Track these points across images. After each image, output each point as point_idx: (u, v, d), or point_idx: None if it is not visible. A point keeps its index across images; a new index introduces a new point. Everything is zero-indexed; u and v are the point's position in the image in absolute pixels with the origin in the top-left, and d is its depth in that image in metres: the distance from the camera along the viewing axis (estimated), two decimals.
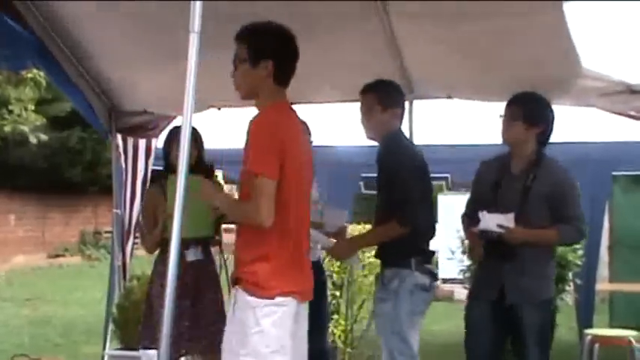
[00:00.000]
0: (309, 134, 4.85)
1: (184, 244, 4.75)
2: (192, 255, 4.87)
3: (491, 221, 4.33)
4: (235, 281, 3.48)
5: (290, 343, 3.43)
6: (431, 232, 4.53)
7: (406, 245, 4.27)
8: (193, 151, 4.81)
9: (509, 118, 4.52)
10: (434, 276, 4.45)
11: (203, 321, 4.83)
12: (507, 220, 4.31)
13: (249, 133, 3.44)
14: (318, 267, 5.14)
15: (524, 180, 4.41)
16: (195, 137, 4.89)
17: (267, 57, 3.50)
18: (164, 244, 4.83)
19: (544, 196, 4.36)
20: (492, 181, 4.50)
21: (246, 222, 3.46)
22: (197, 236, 4.85)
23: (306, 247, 3.58)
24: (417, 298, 4.33)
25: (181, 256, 4.68)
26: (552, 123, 4.59)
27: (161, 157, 7.02)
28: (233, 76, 3.58)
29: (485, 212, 4.36)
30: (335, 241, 4.69)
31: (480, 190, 4.62)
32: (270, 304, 3.37)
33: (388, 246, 4.42)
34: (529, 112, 4.48)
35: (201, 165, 4.82)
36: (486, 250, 4.47)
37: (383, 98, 4.51)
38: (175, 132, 4.97)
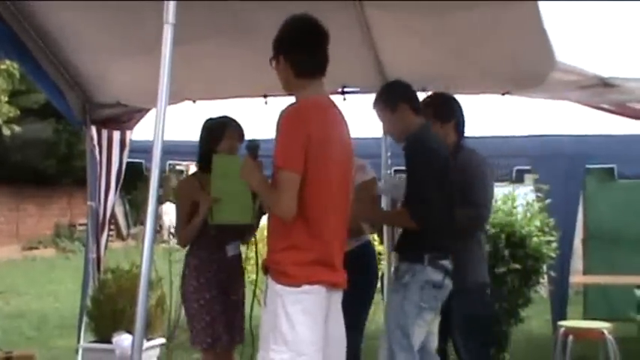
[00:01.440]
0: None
1: (224, 239, 4.76)
2: (232, 250, 4.83)
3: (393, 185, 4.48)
4: (266, 270, 3.52)
5: (321, 331, 3.44)
6: (449, 229, 4.41)
7: (420, 241, 4.25)
8: (239, 144, 4.80)
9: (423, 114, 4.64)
10: (448, 272, 4.33)
11: (239, 313, 4.83)
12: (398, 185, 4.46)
13: (277, 126, 3.43)
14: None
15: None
16: (242, 131, 4.85)
17: (279, 52, 3.53)
18: (196, 238, 4.82)
19: (457, 185, 4.48)
20: None
21: (272, 211, 3.50)
22: (246, 222, 4.67)
23: (340, 239, 3.56)
24: (427, 294, 4.25)
25: (221, 250, 4.75)
26: (462, 113, 4.86)
27: (136, 149, 7.06)
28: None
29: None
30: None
31: None
32: (298, 292, 3.38)
33: (404, 240, 4.43)
34: (439, 111, 4.74)
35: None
36: None
37: (388, 101, 4.47)
38: (222, 126, 4.84)
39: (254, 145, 3.73)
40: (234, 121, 4.90)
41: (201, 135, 4.92)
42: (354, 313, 4.68)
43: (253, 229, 4.79)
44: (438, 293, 4.31)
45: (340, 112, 3.70)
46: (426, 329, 4.32)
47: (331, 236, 3.50)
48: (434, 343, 4.46)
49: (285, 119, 3.43)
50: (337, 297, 3.59)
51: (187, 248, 4.91)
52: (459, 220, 4.45)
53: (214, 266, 4.78)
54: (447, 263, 4.33)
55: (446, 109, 4.80)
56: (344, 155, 3.61)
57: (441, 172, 4.28)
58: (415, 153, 4.32)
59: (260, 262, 4.46)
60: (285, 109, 3.48)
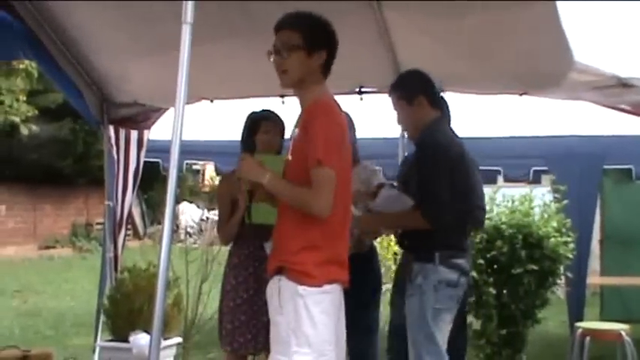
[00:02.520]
0: (352, 126, 4.79)
1: (264, 236, 4.53)
2: (270, 248, 4.81)
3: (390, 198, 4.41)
4: (279, 270, 3.44)
5: (335, 330, 3.45)
6: (463, 227, 4.37)
7: (430, 239, 4.16)
8: (278, 138, 4.76)
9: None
10: (463, 271, 4.27)
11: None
12: (403, 201, 4.35)
13: (308, 122, 3.40)
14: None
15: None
16: (281, 124, 4.81)
17: (322, 47, 3.49)
18: (238, 236, 4.81)
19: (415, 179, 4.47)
20: (402, 176, 4.67)
21: (301, 208, 3.40)
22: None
23: (347, 237, 3.57)
24: (442, 294, 4.16)
25: (260, 248, 4.66)
26: None
27: (153, 149, 7.09)
28: (275, 62, 3.49)
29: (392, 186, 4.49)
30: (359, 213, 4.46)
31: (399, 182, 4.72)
32: (319, 292, 3.37)
33: (414, 240, 4.33)
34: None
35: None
36: (399, 241, 4.63)
37: (405, 92, 4.39)
38: (258, 119, 4.82)
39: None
40: (273, 114, 4.85)
41: (242, 128, 4.91)
42: (361, 314, 4.67)
43: None
44: (454, 292, 4.22)
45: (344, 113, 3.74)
46: (449, 328, 4.23)
47: (343, 235, 3.51)
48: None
49: (323, 116, 3.40)
50: (343, 294, 3.58)
51: (230, 247, 4.91)
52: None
53: (254, 264, 4.74)
54: (461, 262, 4.26)
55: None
56: (350, 156, 3.63)
57: (452, 169, 4.20)
58: (425, 150, 4.26)
59: None
60: (318, 105, 3.44)
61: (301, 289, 3.35)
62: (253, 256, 4.76)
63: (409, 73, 4.55)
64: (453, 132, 4.41)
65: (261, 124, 4.78)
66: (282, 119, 4.83)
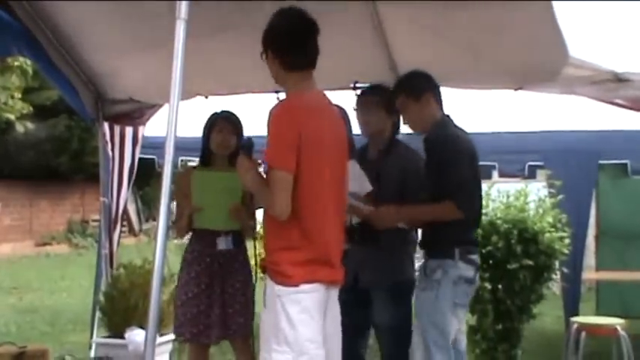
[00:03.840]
0: (347, 120, 4.74)
1: (215, 233, 4.81)
2: (222, 244, 4.84)
3: (357, 173, 4.38)
4: (264, 269, 3.56)
5: (321, 329, 3.45)
6: (477, 222, 4.39)
7: (450, 235, 4.15)
8: (232, 138, 4.86)
9: (369, 107, 4.64)
10: (477, 267, 4.28)
11: (231, 309, 4.81)
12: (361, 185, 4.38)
13: (268, 123, 3.41)
14: None
15: (377, 165, 4.59)
16: (235, 124, 4.89)
17: (267, 46, 3.51)
18: (194, 234, 4.90)
19: (394, 179, 4.51)
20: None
21: (267, 211, 3.48)
22: (227, 229, 4.83)
23: (336, 236, 3.54)
24: (460, 290, 4.17)
25: (212, 244, 4.79)
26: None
27: (148, 145, 7.08)
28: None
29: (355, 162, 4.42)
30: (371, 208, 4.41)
31: None
32: (296, 292, 3.37)
33: (432, 235, 4.31)
34: (389, 101, 4.63)
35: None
36: (348, 235, 4.49)
37: (412, 90, 4.37)
38: (214, 118, 4.94)
39: (248, 144, 3.72)
40: (230, 114, 4.95)
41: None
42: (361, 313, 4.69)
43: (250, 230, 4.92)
44: (469, 289, 4.24)
45: (335, 108, 3.69)
46: (458, 326, 4.24)
47: (327, 234, 3.47)
48: (463, 342, 4.39)
49: (275, 117, 3.40)
50: (335, 293, 3.58)
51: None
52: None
53: (206, 260, 4.83)
54: (475, 257, 4.27)
55: (393, 106, 4.67)
56: (339, 152, 3.58)
57: (470, 159, 4.21)
58: (445, 143, 4.21)
59: (258, 260, 4.54)
60: (275, 106, 3.46)
61: (277, 289, 3.38)
62: (205, 252, 4.84)
63: (414, 73, 4.50)
64: (460, 128, 4.39)
65: (216, 123, 4.89)
66: (240, 120, 4.91)
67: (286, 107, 3.44)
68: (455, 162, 4.14)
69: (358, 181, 4.39)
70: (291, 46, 3.50)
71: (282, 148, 3.33)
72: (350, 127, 4.89)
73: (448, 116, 4.39)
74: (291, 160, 3.32)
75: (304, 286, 3.38)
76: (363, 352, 4.85)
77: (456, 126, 4.36)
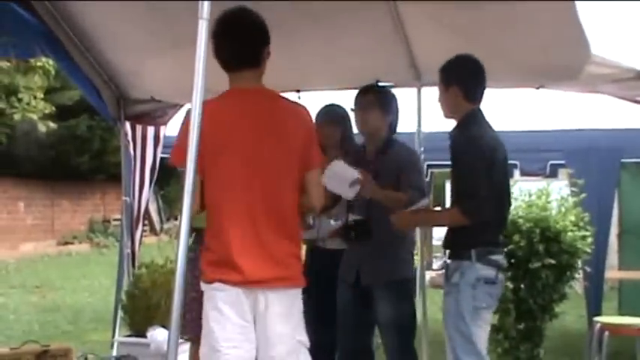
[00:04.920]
0: (344, 119, 5.03)
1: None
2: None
3: (341, 167, 4.42)
4: None
5: (240, 329, 3.44)
6: (500, 223, 4.32)
7: (467, 236, 4.09)
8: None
9: (366, 106, 4.70)
10: (501, 267, 4.20)
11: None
12: (355, 173, 4.41)
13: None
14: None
15: (375, 164, 4.67)
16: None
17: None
18: (196, 233, 4.84)
19: (391, 178, 4.56)
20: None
21: None
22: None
23: (242, 240, 3.42)
24: (480, 291, 4.07)
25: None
26: (398, 110, 4.88)
27: (170, 145, 7.09)
28: None
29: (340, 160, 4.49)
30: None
31: None
32: (210, 288, 3.49)
33: (451, 236, 4.27)
34: (385, 100, 4.76)
35: None
36: (344, 233, 4.74)
37: (443, 78, 4.33)
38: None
39: None
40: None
41: None
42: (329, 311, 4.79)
43: None
44: (492, 289, 4.14)
45: (277, 107, 3.60)
46: (489, 327, 4.18)
47: (231, 237, 3.41)
48: None
49: (185, 117, 3.47)
50: (273, 296, 3.46)
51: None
52: (414, 199, 4.42)
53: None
54: (499, 258, 4.19)
55: (389, 106, 4.78)
56: (258, 151, 3.47)
57: (489, 163, 4.11)
58: (460, 144, 4.18)
59: None
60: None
61: (202, 285, 3.55)
62: None
63: (457, 59, 4.36)
64: (488, 125, 4.31)
65: None
66: None
67: (204, 105, 3.27)
68: (470, 168, 4.08)
69: (341, 178, 4.43)
70: (221, 41, 3.53)
71: (182, 147, 3.27)
72: (345, 126, 5.11)
73: (479, 110, 4.31)
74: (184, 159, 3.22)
75: (217, 284, 3.47)
76: (371, 348, 4.90)
77: (481, 123, 4.27)
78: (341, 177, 4.41)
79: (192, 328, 4.82)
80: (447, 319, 4.17)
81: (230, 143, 3.44)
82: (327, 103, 5.33)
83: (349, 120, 5.16)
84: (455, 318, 4.10)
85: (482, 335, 4.11)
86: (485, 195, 4.05)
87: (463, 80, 4.28)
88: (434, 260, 13.75)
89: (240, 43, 3.51)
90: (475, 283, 4.07)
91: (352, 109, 4.84)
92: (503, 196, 4.28)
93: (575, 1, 4.39)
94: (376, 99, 4.76)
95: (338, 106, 5.26)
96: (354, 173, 4.42)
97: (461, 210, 4.06)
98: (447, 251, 4.42)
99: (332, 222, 4.99)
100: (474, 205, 4.04)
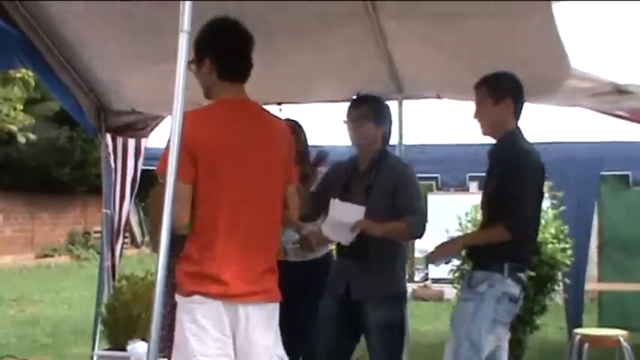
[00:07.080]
0: (299, 133, 4.89)
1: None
2: None
3: (341, 211, 4.40)
4: None
5: (219, 344, 3.38)
6: (534, 241, 4.29)
7: (502, 249, 4.04)
8: None
9: (358, 118, 4.63)
10: (524, 286, 4.18)
11: None
12: (358, 212, 4.36)
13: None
14: (316, 266, 5.13)
15: (368, 177, 4.57)
16: None
17: (204, 54, 3.48)
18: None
19: (385, 192, 4.48)
20: (342, 182, 4.64)
21: None
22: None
23: (234, 255, 3.40)
24: (503, 307, 4.08)
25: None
26: (392, 121, 4.80)
27: (151, 157, 7.07)
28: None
29: (336, 200, 4.45)
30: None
31: (329, 189, 4.69)
32: (188, 301, 3.40)
33: (483, 248, 4.19)
34: (378, 112, 4.65)
35: None
36: (338, 249, 4.67)
37: (495, 90, 4.28)
38: None
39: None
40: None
41: None
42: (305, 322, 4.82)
43: None
44: (512, 307, 4.14)
45: (264, 120, 3.60)
46: (495, 344, 4.16)
47: (223, 252, 3.39)
48: (504, 359, 4.31)
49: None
50: (254, 310, 3.43)
51: None
52: (414, 228, 4.41)
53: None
54: (523, 275, 4.17)
55: (382, 117, 4.70)
56: (252, 167, 3.46)
57: (537, 180, 4.12)
58: (514, 159, 4.13)
59: None
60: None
61: (177, 297, 3.46)
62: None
63: (506, 74, 4.36)
64: (529, 143, 4.29)
65: None
66: None
67: (189, 114, 3.25)
68: (517, 182, 4.03)
69: (343, 225, 4.39)
70: (230, 54, 3.53)
71: (164, 159, 3.21)
72: (299, 138, 5.01)
73: (519, 129, 4.31)
74: (185, 169, 3.22)
75: (196, 297, 3.38)
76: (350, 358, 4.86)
77: (525, 139, 4.26)
78: (342, 224, 4.40)
79: (164, 344, 4.77)
80: (459, 324, 4.14)
81: (222, 155, 3.40)
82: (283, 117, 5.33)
83: (304, 133, 5.21)
84: (470, 325, 4.06)
85: (488, 347, 4.10)
86: (531, 212, 4.06)
87: (516, 94, 4.29)
88: (415, 272, 13.82)
89: (249, 56, 3.53)
90: (501, 297, 4.07)
91: (345, 122, 4.73)
92: (539, 215, 4.28)
93: (555, 15, 4.41)
94: (369, 111, 4.64)
95: (291, 120, 5.19)
96: (355, 214, 4.36)
97: (506, 226, 4.00)
98: (472, 262, 4.37)
99: (294, 233, 4.96)
100: (521, 221, 4.02)
